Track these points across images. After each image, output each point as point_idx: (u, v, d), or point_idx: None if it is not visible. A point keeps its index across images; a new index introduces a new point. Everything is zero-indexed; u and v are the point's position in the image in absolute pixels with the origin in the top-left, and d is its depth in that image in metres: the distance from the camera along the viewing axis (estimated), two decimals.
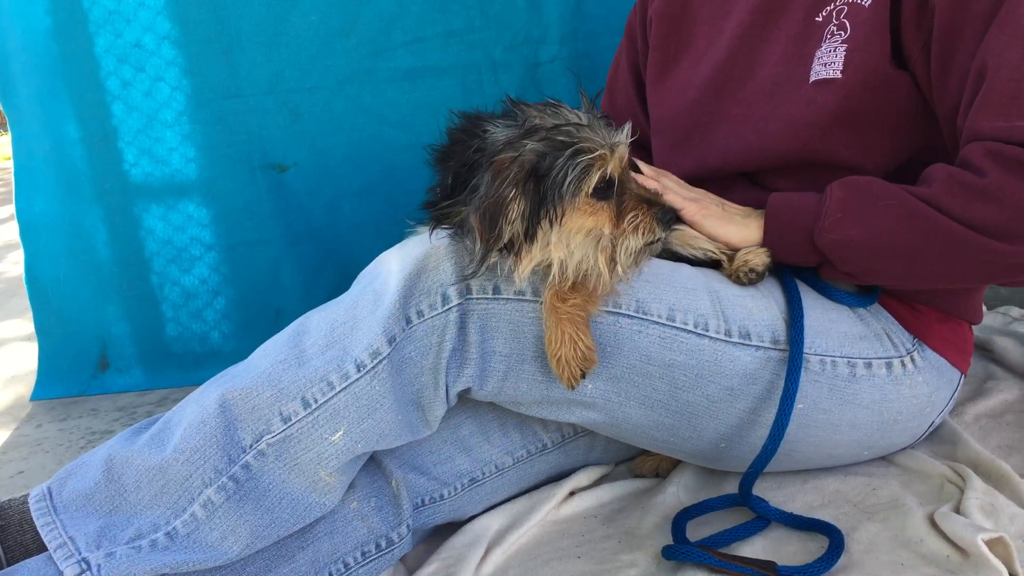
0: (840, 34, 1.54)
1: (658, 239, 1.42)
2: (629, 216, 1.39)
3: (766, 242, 1.56)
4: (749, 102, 1.66)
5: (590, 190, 1.34)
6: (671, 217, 1.42)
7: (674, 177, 1.69)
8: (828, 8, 1.57)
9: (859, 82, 1.52)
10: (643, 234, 1.39)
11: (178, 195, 2.76)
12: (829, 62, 1.54)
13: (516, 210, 1.32)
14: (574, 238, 1.37)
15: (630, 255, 1.40)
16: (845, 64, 1.52)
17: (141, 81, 2.67)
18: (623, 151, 1.38)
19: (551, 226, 1.34)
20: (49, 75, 2.67)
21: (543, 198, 1.33)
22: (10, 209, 6.96)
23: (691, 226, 1.59)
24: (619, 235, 1.38)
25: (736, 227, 1.58)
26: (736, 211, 1.62)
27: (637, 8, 2.03)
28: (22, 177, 2.78)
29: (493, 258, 1.37)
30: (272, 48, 2.68)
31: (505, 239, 1.34)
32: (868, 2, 1.52)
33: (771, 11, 1.65)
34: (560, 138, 1.34)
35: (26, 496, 1.49)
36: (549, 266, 1.39)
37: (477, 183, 1.34)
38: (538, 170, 1.33)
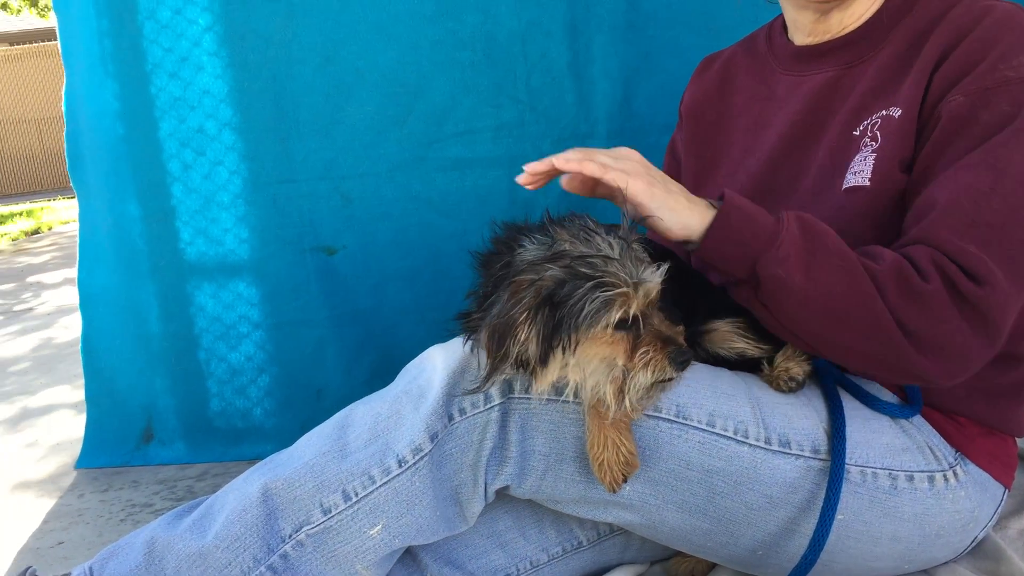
0: (872, 144, 1.57)
1: (669, 379, 1.38)
2: (641, 351, 1.35)
3: (707, 241, 1.45)
4: None
5: (610, 325, 1.33)
6: (686, 359, 1.37)
7: (637, 154, 1.53)
8: (865, 123, 1.60)
9: (884, 190, 1.54)
10: (653, 372, 1.36)
11: (230, 274, 2.85)
12: (859, 170, 1.57)
13: (525, 333, 1.33)
14: (588, 364, 1.37)
15: (638, 390, 1.36)
16: (873, 172, 1.55)
17: (201, 164, 2.78)
18: (650, 288, 1.35)
19: (563, 353, 1.35)
20: (115, 155, 2.80)
21: (558, 325, 1.33)
22: (63, 274, 7.23)
23: (636, 207, 1.45)
24: (631, 368, 1.36)
25: (678, 212, 1.45)
26: (679, 192, 1.48)
27: (680, 123, 2.08)
28: (86, 250, 2.89)
29: (502, 375, 1.39)
30: (327, 136, 2.79)
31: (511, 359, 1.35)
32: (898, 113, 1.55)
33: (812, 125, 1.69)
34: (583, 269, 1.34)
35: (68, 574, 1.52)
36: None
37: (495, 300, 1.37)
38: (554, 297, 1.33)
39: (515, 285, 1.34)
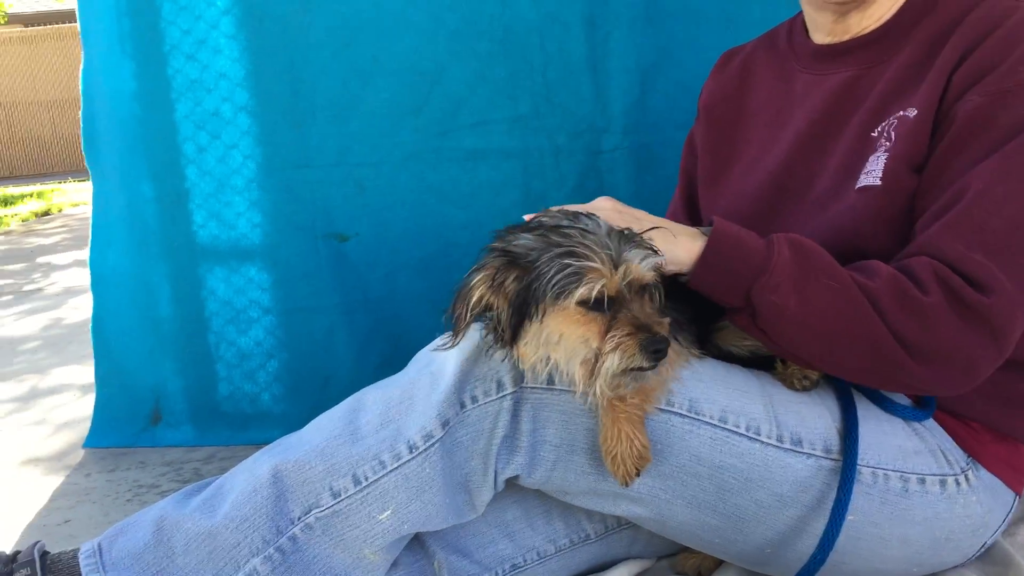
0: (886, 144, 1.56)
1: (643, 368, 1.32)
2: (611, 334, 1.31)
3: (698, 271, 1.46)
4: (806, 213, 1.68)
5: (577, 300, 1.30)
6: (660, 349, 1.31)
7: (611, 200, 1.56)
8: (883, 124, 1.59)
9: (896, 189, 1.53)
10: (622, 358, 1.31)
11: (241, 258, 2.84)
12: (871, 170, 1.56)
13: (488, 298, 1.35)
14: (557, 340, 1.34)
15: (608, 375, 1.32)
16: (884, 172, 1.54)
17: (216, 148, 2.78)
18: (635, 270, 1.32)
19: (531, 322, 1.34)
20: (130, 135, 2.80)
21: (528, 293, 1.33)
22: (73, 255, 7.25)
23: None
24: (601, 351, 1.32)
25: (677, 248, 1.46)
26: (678, 230, 1.49)
27: (698, 117, 2.07)
28: (99, 230, 2.88)
29: (462, 337, 1.40)
30: (343, 122, 2.78)
31: (465, 323, 1.37)
32: (913, 114, 1.54)
33: (831, 125, 1.68)
34: (555, 238, 1.33)
35: (76, 550, 1.52)
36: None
37: None
38: (518, 261, 1.34)
39: (488, 251, 1.36)
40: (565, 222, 1.37)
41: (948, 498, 1.55)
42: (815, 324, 1.42)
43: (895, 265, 1.44)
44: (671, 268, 1.45)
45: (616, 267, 1.31)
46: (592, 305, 1.31)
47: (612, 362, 1.31)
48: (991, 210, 1.39)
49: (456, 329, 1.39)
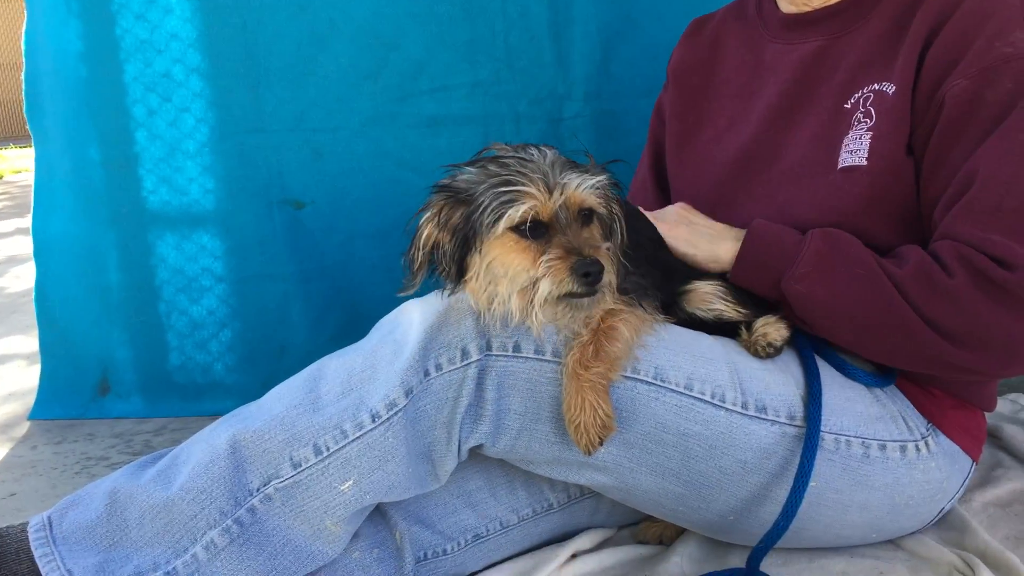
0: (866, 122, 1.56)
1: (575, 293, 1.30)
2: (543, 258, 1.29)
3: (735, 269, 1.57)
4: (775, 183, 1.68)
5: (509, 224, 1.29)
6: (592, 272, 1.28)
7: (683, 207, 1.73)
8: (856, 95, 1.59)
9: (883, 170, 1.54)
10: (553, 283, 1.28)
11: (193, 225, 2.77)
12: (855, 149, 1.56)
13: (441, 239, 1.35)
14: (498, 271, 1.33)
15: (543, 302, 1.30)
16: (870, 152, 1.54)
17: (167, 111, 2.69)
18: (572, 194, 1.30)
19: (473, 255, 1.34)
20: (76, 98, 2.70)
21: (469, 225, 1.33)
22: (14, 223, 7.05)
23: None
24: (535, 277, 1.30)
25: (703, 249, 1.61)
26: (705, 228, 1.63)
27: (667, 84, 2.05)
28: (41, 196, 2.78)
29: (419, 278, 1.42)
30: (299, 86, 2.71)
31: (419, 265, 1.39)
32: (892, 90, 1.54)
33: (801, 95, 1.67)
34: (494, 167, 1.32)
35: (25, 524, 1.47)
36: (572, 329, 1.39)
37: None
38: (459, 195, 1.34)
39: (433, 190, 1.37)
40: (508, 154, 1.36)
41: (908, 464, 1.56)
42: (845, 312, 1.47)
43: (926, 249, 1.46)
44: (714, 267, 1.60)
45: (550, 191, 1.29)
46: (527, 231, 1.30)
47: (544, 288, 1.29)
48: (1002, 191, 1.41)
49: (412, 272, 1.41)
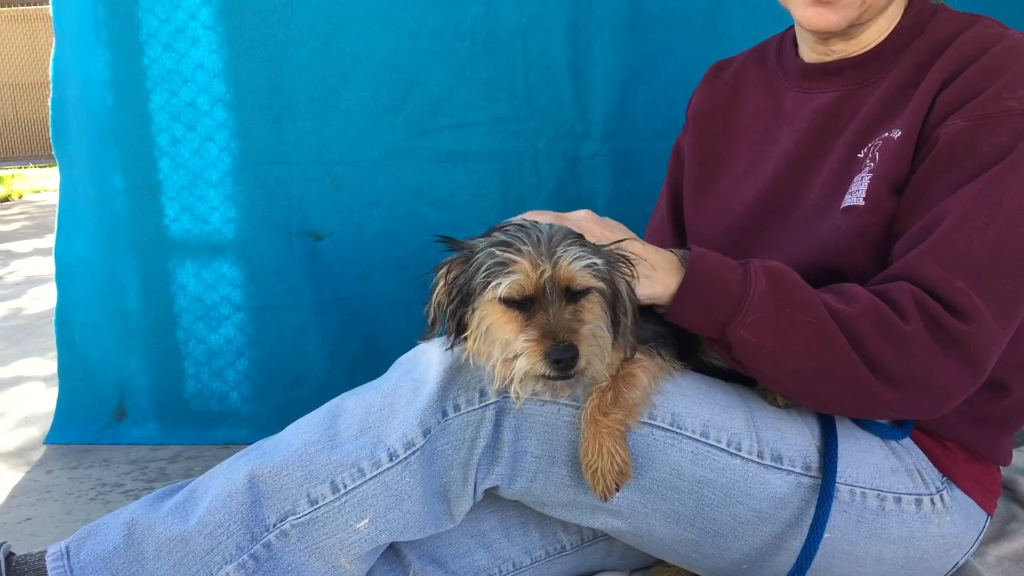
0: (870, 164, 1.57)
1: (548, 376, 1.28)
2: (522, 335, 1.29)
3: (674, 305, 1.44)
4: (789, 231, 1.68)
5: (496, 294, 1.29)
6: (563, 360, 1.26)
7: (590, 215, 1.53)
8: (869, 144, 1.60)
9: (877, 209, 1.54)
10: (529, 363, 1.27)
11: (213, 254, 2.80)
12: (855, 191, 1.57)
13: (441, 294, 1.38)
14: (487, 335, 1.34)
15: (518, 377, 1.29)
16: (868, 192, 1.55)
17: (191, 140, 2.73)
18: (562, 270, 1.29)
19: (471, 314, 1.35)
20: (101, 125, 2.75)
21: (469, 285, 1.35)
22: (33, 244, 7.11)
23: None
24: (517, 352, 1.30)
25: (655, 284, 1.44)
26: (658, 261, 1.46)
27: (686, 126, 2.07)
28: (65, 220, 2.82)
29: (436, 333, 1.43)
30: (321, 119, 2.75)
31: (432, 317, 1.41)
32: (898, 135, 1.55)
33: (818, 145, 1.68)
34: (498, 234, 1.35)
35: (43, 553, 1.48)
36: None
37: None
38: (463, 251, 1.37)
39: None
40: (516, 221, 1.39)
41: (923, 517, 1.56)
42: (791, 360, 1.42)
43: (873, 289, 1.44)
44: (647, 301, 1.44)
45: (539, 264, 1.29)
46: (514, 303, 1.30)
47: (520, 366, 1.29)
48: (972, 236, 1.40)
49: (428, 325, 1.43)
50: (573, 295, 1.31)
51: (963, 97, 1.48)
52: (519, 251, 1.30)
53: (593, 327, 1.32)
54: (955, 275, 1.39)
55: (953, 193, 1.44)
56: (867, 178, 1.56)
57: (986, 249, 1.40)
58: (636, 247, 1.43)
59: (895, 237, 1.51)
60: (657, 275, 1.44)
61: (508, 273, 1.29)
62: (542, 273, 1.28)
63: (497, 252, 1.30)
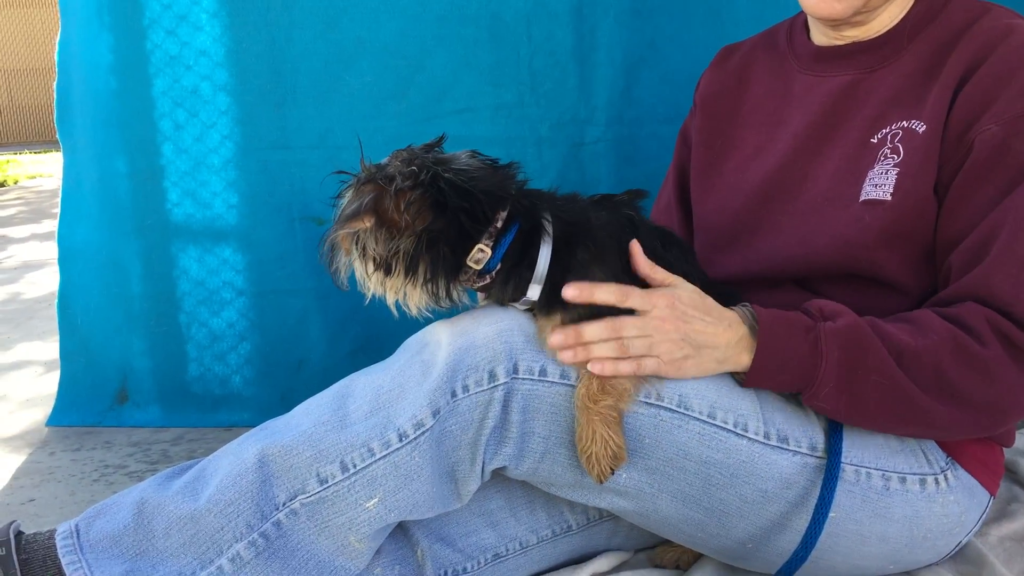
0: (893, 157, 1.57)
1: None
2: None
3: (746, 383, 1.51)
4: (798, 214, 1.69)
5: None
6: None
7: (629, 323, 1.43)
8: (884, 131, 1.60)
9: (907, 206, 1.55)
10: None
11: (216, 239, 2.80)
12: (880, 184, 1.57)
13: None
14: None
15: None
16: (895, 187, 1.56)
17: (193, 126, 2.73)
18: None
19: None
20: (105, 109, 2.74)
21: None
22: (30, 229, 7.10)
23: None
24: None
25: (708, 369, 1.49)
26: (708, 348, 1.47)
27: (693, 109, 2.08)
28: (68, 204, 2.82)
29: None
30: (324, 104, 2.74)
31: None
32: (923, 128, 1.55)
33: (828, 128, 1.69)
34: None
35: (52, 531, 1.49)
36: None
37: None
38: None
39: None
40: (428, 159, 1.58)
41: (927, 497, 1.57)
42: (864, 417, 1.50)
43: (944, 313, 1.47)
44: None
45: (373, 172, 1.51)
46: None
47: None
48: None
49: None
50: None
51: (986, 94, 1.50)
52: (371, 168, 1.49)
53: None
54: (1021, 288, 1.42)
55: (1000, 202, 1.46)
56: (893, 172, 1.56)
57: None
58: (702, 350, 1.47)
59: (941, 245, 1.54)
60: (727, 361, 1.49)
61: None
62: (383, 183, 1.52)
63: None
